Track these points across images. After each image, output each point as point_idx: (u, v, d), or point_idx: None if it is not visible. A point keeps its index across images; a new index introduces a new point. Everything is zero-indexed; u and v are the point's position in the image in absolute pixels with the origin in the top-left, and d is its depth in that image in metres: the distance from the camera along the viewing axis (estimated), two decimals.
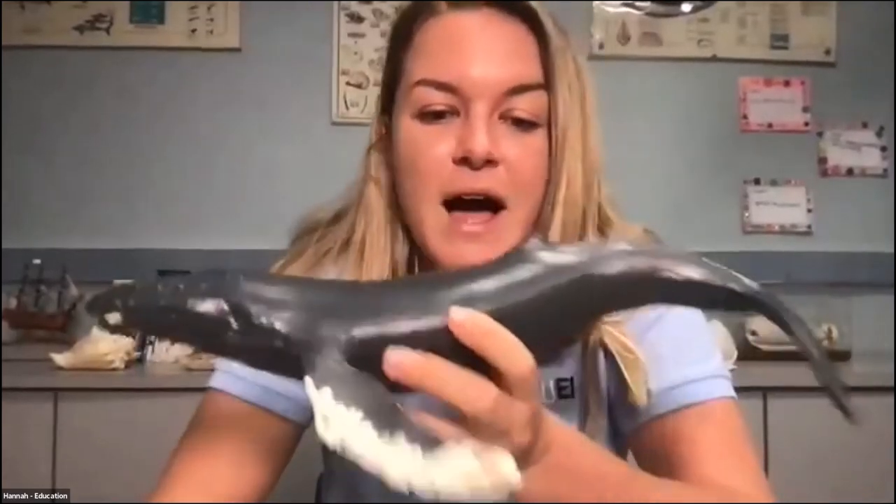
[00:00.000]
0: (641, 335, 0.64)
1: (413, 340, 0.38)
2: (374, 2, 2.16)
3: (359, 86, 2.14)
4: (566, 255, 0.41)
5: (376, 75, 2.14)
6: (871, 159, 2.21)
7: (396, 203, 0.67)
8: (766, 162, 2.20)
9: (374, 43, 2.15)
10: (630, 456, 0.69)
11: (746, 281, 0.45)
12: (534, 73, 0.61)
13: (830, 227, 2.18)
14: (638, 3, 2.21)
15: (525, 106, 0.60)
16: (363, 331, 0.39)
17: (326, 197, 0.76)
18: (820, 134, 2.21)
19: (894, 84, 2.17)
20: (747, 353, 1.86)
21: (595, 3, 2.20)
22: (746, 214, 2.19)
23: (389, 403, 0.37)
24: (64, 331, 1.93)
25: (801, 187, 2.20)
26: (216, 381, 0.68)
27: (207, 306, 0.40)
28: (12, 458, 1.55)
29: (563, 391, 0.65)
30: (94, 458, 1.57)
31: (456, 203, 0.60)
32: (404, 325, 0.39)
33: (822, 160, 2.21)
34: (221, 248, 2.05)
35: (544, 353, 0.41)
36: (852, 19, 2.21)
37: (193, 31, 2.13)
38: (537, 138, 0.61)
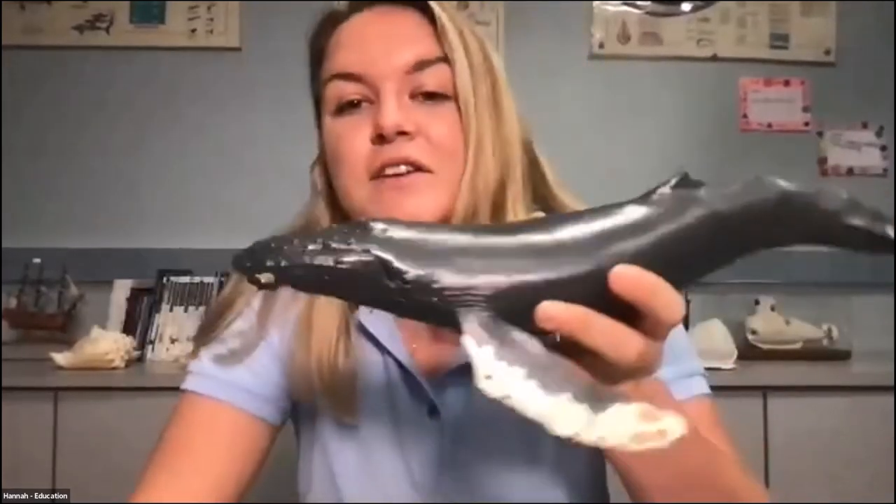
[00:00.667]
0: None
1: (555, 287, 0.39)
2: None
3: None
4: (695, 192, 0.41)
5: None
6: (871, 159, 2.21)
7: (334, 203, 0.69)
8: (766, 162, 2.20)
9: None
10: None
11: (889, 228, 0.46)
12: (432, 49, 0.64)
13: None
14: (638, 3, 2.21)
15: (431, 80, 0.63)
16: (508, 281, 0.39)
17: (306, 212, 0.76)
18: (820, 134, 2.21)
19: (894, 84, 2.17)
20: (747, 352, 1.86)
21: (595, 2, 2.20)
22: None
23: (550, 361, 0.38)
24: (64, 331, 1.93)
25: None
26: (189, 383, 0.69)
27: (361, 264, 0.39)
28: (12, 458, 1.55)
29: None
30: (94, 458, 1.57)
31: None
32: (547, 273, 0.39)
33: (822, 160, 2.21)
34: (221, 247, 2.04)
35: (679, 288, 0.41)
36: (852, 19, 2.21)
37: (193, 31, 2.13)
38: (449, 109, 0.64)
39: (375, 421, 0.67)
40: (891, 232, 0.45)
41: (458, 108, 0.64)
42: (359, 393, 0.66)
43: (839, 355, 1.90)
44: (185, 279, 1.95)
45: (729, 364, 1.72)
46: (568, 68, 2.18)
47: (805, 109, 2.21)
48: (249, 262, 0.41)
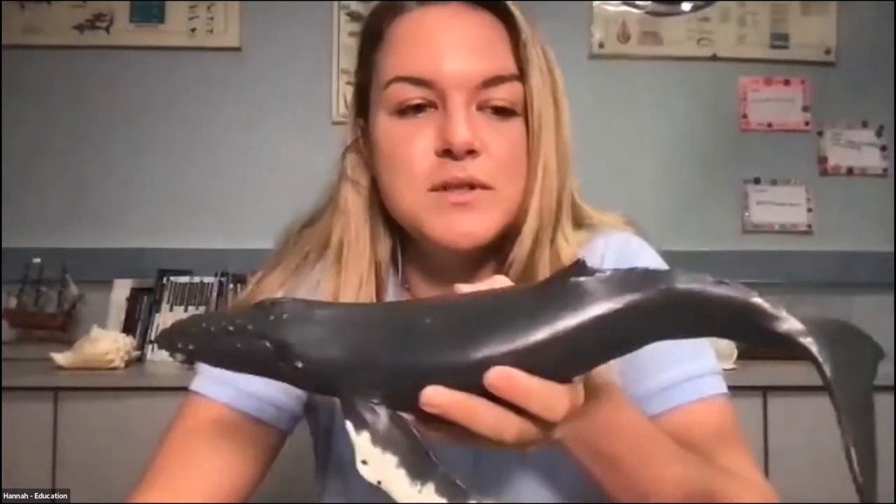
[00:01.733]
0: None
1: (446, 375, 0.40)
2: (375, 1, 2.15)
3: None
4: (606, 284, 0.41)
5: None
6: (871, 159, 2.21)
7: (376, 203, 0.68)
8: (766, 161, 2.20)
9: None
10: None
11: (794, 323, 0.44)
12: (507, 64, 0.62)
13: (830, 227, 2.18)
14: (638, 3, 2.20)
15: (502, 95, 0.61)
16: (399, 370, 0.41)
17: (326, 197, 0.76)
18: (820, 133, 2.21)
19: (894, 84, 2.17)
20: (747, 352, 1.86)
21: (595, 2, 2.20)
22: (746, 214, 2.19)
23: (423, 451, 0.40)
24: (64, 330, 1.93)
25: (801, 187, 2.20)
26: (197, 384, 0.68)
27: (255, 347, 0.43)
28: (12, 458, 1.55)
29: None
30: (94, 458, 1.57)
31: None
32: (438, 363, 0.40)
33: (822, 160, 2.21)
34: (221, 247, 2.05)
35: (577, 375, 0.43)
36: (852, 19, 2.21)
37: (193, 30, 2.13)
38: (515, 126, 0.62)
39: None
40: (811, 345, 0.43)
41: (526, 125, 0.62)
42: None
43: None
44: (185, 279, 1.95)
45: (729, 364, 1.72)
46: (568, 68, 2.16)
47: (805, 109, 2.21)
48: (166, 342, 0.45)
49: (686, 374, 0.65)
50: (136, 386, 1.63)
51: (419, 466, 0.39)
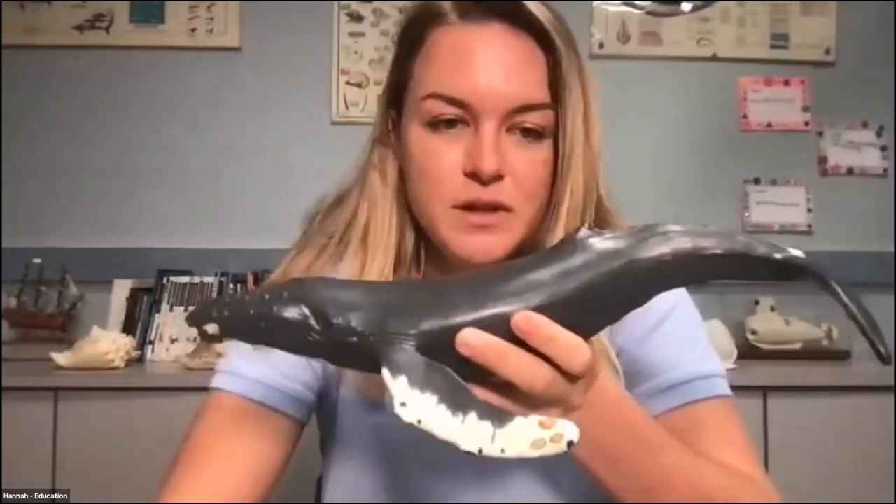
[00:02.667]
0: (645, 336, 0.68)
1: (474, 325, 0.43)
2: (375, 1, 2.16)
3: (359, 85, 2.15)
4: (614, 241, 0.45)
5: (376, 75, 2.14)
6: (871, 159, 2.21)
7: (402, 193, 0.70)
8: (766, 162, 2.20)
9: (374, 42, 2.15)
10: None
11: (790, 250, 0.49)
12: (542, 92, 0.63)
13: (830, 227, 2.18)
14: (638, 3, 2.21)
15: (533, 120, 0.62)
16: (430, 324, 0.43)
17: (350, 179, 0.75)
18: (820, 134, 2.21)
19: (894, 84, 2.17)
20: (747, 352, 1.86)
21: (595, 2, 2.20)
22: (746, 214, 2.19)
23: (461, 387, 0.42)
24: (64, 330, 1.93)
25: (801, 187, 2.20)
26: (218, 381, 0.69)
27: (291, 312, 0.44)
28: (12, 458, 1.55)
29: None
30: (94, 458, 1.57)
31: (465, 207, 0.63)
32: (467, 317, 0.43)
33: (822, 160, 2.21)
34: (221, 247, 2.05)
35: (593, 332, 0.47)
36: (852, 19, 2.21)
37: (193, 30, 2.13)
38: (543, 149, 0.63)
39: None
40: (809, 263, 0.50)
41: (555, 146, 0.64)
42: None
43: (839, 355, 1.90)
44: (185, 279, 1.95)
45: (729, 364, 1.72)
46: None
47: (805, 109, 2.21)
48: (199, 314, 0.46)
49: (693, 374, 0.66)
50: (136, 386, 1.63)
51: (459, 400, 0.41)
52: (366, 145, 0.72)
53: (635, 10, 2.20)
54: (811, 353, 1.91)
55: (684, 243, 0.46)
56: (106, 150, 2.11)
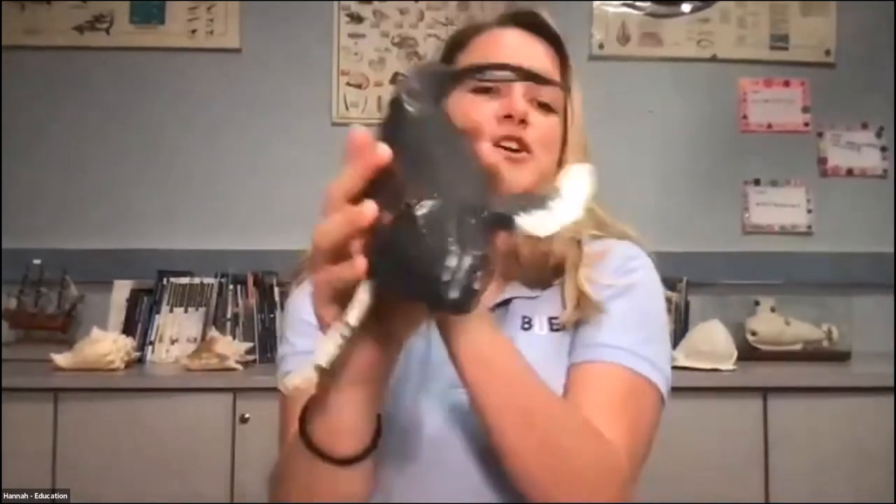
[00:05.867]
0: (612, 298, 0.75)
1: None
2: (375, 2, 2.16)
3: (359, 86, 2.15)
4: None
5: (376, 76, 2.14)
6: (871, 159, 2.22)
7: None
8: (766, 162, 2.20)
9: (374, 43, 2.15)
10: None
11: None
12: (555, 75, 0.82)
13: (830, 228, 2.18)
14: (638, 4, 2.21)
15: (547, 95, 0.80)
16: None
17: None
18: (820, 134, 2.21)
19: (894, 84, 2.18)
20: (747, 353, 1.86)
21: (595, 3, 2.20)
22: (746, 215, 2.19)
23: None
24: (64, 331, 1.93)
25: (801, 187, 2.20)
26: (286, 366, 0.76)
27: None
28: (12, 458, 1.55)
29: (554, 327, 0.77)
30: (94, 458, 1.57)
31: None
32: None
33: (822, 160, 2.21)
34: (221, 248, 2.05)
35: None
36: (852, 19, 2.21)
37: (193, 31, 2.13)
38: (552, 120, 0.81)
39: (406, 366, 0.71)
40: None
41: (564, 122, 0.82)
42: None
43: (839, 356, 1.90)
44: (185, 280, 1.95)
45: (729, 365, 1.72)
46: None
47: (805, 110, 2.21)
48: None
49: (625, 344, 0.72)
50: (136, 387, 1.63)
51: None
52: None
53: (635, 11, 2.20)
54: (811, 354, 1.91)
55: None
56: (106, 151, 2.11)
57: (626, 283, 0.76)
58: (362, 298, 0.49)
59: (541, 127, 0.79)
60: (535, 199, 0.54)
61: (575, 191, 0.54)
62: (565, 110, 0.83)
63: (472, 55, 0.82)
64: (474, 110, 0.79)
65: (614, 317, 0.74)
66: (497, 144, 0.78)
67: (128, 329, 1.90)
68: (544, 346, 0.74)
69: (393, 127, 0.53)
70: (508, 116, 0.77)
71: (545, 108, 0.80)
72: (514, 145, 0.77)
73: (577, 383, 0.71)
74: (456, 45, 0.85)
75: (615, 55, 2.19)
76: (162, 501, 1.52)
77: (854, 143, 2.21)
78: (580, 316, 0.74)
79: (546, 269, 0.78)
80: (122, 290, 1.96)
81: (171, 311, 1.92)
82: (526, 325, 0.77)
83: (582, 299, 0.75)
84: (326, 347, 0.50)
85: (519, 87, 0.79)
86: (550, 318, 0.77)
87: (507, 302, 0.77)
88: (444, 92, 0.61)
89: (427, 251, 0.46)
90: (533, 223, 0.51)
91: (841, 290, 2.07)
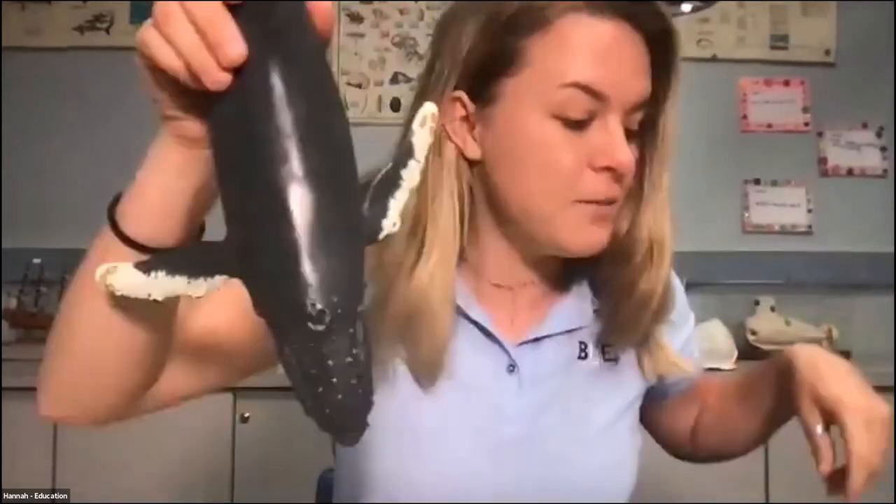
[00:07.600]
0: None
1: None
2: (375, 2, 2.16)
3: (359, 86, 2.15)
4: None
5: (376, 76, 2.14)
6: (871, 159, 2.22)
7: (461, 178, 0.66)
8: (766, 162, 2.20)
9: (374, 43, 2.15)
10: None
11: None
12: (649, 91, 0.64)
13: (830, 228, 2.18)
14: None
15: (637, 119, 0.64)
16: None
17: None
18: (820, 134, 2.21)
19: (894, 84, 2.17)
20: (747, 353, 1.87)
21: None
22: (746, 214, 2.19)
23: None
24: None
25: (801, 187, 2.20)
26: None
27: None
28: (12, 458, 1.55)
29: (608, 356, 0.73)
30: (94, 458, 1.57)
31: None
32: None
33: (822, 160, 2.21)
34: None
35: None
36: (852, 19, 2.21)
37: None
38: (635, 146, 0.65)
39: (455, 379, 0.67)
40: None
41: (644, 143, 0.66)
42: (447, 356, 0.66)
43: (839, 356, 1.89)
44: None
45: (729, 364, 1.72)
46: None
47: (805, 110, 2.22)
48: None
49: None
50: None
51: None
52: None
53: None
54: None
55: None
56: (106, 151, 2.11)
57: (688, 333, 0.82)
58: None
59: (633, 169, 0.63)
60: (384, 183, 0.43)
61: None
62: (659, 126, 0.66)
63: (569, 56, 0.60)
64: (555, 153, 0.61)
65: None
66: (582, 200, 0.62)
67: None
68: (599, 379, 0.72)
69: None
70: (609, 168, 0.61)
71: (631, 135, 0.63)
72: (607, 207, 0.63)
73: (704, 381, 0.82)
74: (527, 23, 0.61)
75: None
76: (162, 501, 1.53)
77: (854, 142, 2.21)
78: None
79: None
80: None
81: None
82: (582, 355, 0.71)
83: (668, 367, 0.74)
84: (166, 286, 0.41)
85: (617, 120, 0.61)
86: (604, 346, 0.72)
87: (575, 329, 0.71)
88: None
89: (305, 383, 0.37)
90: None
91: (841, 290, 2.07)
